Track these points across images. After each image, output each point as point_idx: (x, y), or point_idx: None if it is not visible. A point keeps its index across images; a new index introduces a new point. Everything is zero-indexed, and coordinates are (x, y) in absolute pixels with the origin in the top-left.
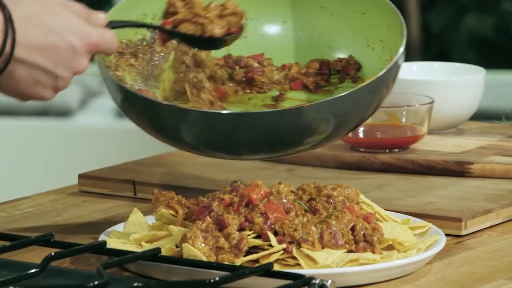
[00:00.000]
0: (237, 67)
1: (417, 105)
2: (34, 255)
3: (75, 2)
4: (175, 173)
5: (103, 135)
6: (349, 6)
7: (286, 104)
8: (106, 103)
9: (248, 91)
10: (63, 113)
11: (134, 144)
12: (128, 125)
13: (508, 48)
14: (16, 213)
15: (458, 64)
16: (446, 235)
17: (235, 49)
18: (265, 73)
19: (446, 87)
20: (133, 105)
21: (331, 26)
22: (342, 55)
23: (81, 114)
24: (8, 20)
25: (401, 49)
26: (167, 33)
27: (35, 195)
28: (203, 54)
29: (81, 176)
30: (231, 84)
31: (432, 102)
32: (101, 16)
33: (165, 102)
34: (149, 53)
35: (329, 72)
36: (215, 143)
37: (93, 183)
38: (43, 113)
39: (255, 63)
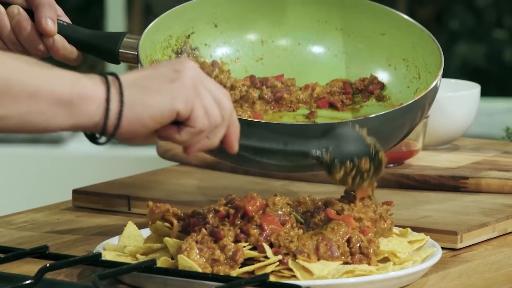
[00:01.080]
0: (264, 87)
1: None
2: (29, 268)
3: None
4: (170, 189)
5: (94, 162)
6: (367, 27)
7: (319, 121)
8: None
9: (278, 110)
10: (54, 140)
11: (126, 171)
12: (120, 152)
13: (499, 76)
14: (10, 227)
15: (453, 80)
16: (442, 248)
17: (252, 71)
18: (291, 92)
19: (441, 103)
20: None
21: (348, 47)
22: (362, 74)
23: (72, 142)
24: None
25: (440, 73)
26: None
27: (29, 210)
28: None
29: (75, 192)
30: (260, 104)
31: (427, 117)
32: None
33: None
34: None
35: (353, 91)
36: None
37: (88, 198)
38: (35, 140)
39: (278, 83)
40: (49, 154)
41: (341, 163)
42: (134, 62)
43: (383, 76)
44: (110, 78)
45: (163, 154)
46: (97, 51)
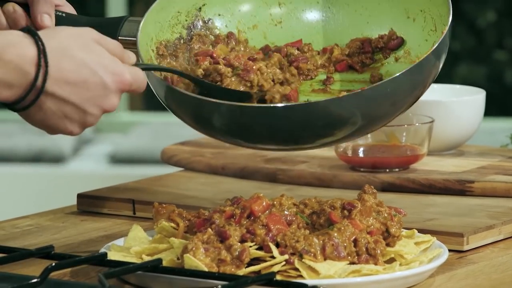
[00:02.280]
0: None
1: (417, 124)
2: (34, 269)
3: (110, 39)
4: (174, 193)
5: (95, 181)
6: None
7: (335, 87)
8: (99, 149)
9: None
10: (56, 159)
11: None
12: (121, 171)
13: (500, 97)
14: (15, 230)
15: (458, 86)
16: (448, 250)
17: (271, 37)
18: (308, 60)
19: (446, 108)
20: (182, 106)
21: (367, 1)
22: (381, 30)
23: (74, 161)
24: (42, 53)
25: (450, 18)
26: (198, 84)
27: (34, 215)
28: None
29: (80, 196)
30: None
31: (432, 122)
32: (132, 56)
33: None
34: (187, 51)
35: (372, 50)
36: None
37: (92, 202)
38: (36, 159)
39: (295, 50)
40: (51, 173)
41: None
42: (135, 48)
43: (402, 30)
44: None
45: (167, 160)
46: None
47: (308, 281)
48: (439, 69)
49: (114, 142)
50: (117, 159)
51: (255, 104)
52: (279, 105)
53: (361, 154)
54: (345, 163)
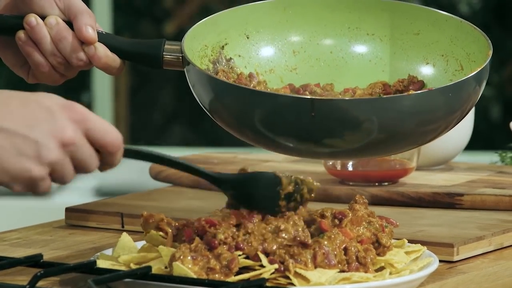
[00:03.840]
0: (307, 92)
1: None
2: (23, 279)
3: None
4: (163, 207)
5: None
6: (400, 29)
7: None
8: (85, 183)
9: None
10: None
11: None
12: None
13: (486, 132)
14: (3, 243)
15: None
16: (439, 261)
17: (287, 80)
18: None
19: None
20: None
21: (381, 52)
22: (399, 76)
23: (60, 194)
24: None
25: (490, 52)
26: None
27: (22, 228)
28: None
29: (68, 210)
30: None
31: None
32: None
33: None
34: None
35: (394, 92)
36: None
37: (80, 216)
38: (22, 192)
39: (318, 89)
40: (37, 206)
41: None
42: (177, 66)
43: (422, 74)
44: None
45: (156, 176)
46: (140, 58)
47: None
48: (478, 97)
49: (100, 175)
50: (103, 193)
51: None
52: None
53: (350, 168)
54: (334, 177)
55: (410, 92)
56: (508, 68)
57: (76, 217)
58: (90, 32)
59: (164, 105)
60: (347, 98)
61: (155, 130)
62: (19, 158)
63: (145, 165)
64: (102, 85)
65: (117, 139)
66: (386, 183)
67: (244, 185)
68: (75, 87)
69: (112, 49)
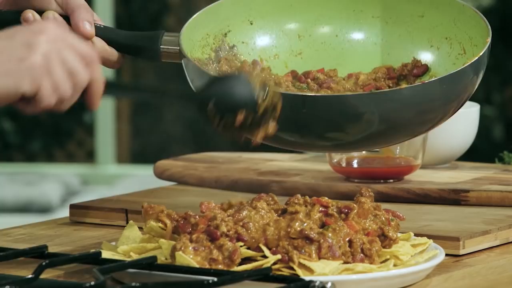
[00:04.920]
0: (309, 80)
1: None
2: (29, 272)
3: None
4: (167, 203)
5: None
6: (404, 11)
7: None
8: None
9: None
10: (44, 210)
11: None
12: None
13: (489, 152)
14: (8, 239)
15: None
16: (445, 255)
17: (292, 66)
18: (337, 82)
19: None
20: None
21: (386, 34)
22: (404, 60)
23: (62, 212)
24: None
25: (489, 39)
26: None
27: (26, 225)
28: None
29: (72, 206)
30: None
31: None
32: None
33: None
34: (216, 73)
35: (397, 77)
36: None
37: (85, 212)
38: (24, 210)
39: (321, 75)
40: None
41: (220, 115)
42: (176, 58)
43: (426, 57)
44: None
45: (160, 175)
46: (138, 51)
47: (304, 277)
48: (475, 87)
49: (101, 194)
50: None
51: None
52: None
53: (355, 165)
54: (340, 174)
55: (402, 86)
56: (511, 88)
57: (81, 213)
58: (87, 27)
59: (166, 126)
60: (336, 95)
61: (157, 151)
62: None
63: (144, 185)
64: (104, 106)
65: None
66: (391, 180)
67: (222, 85)
68: (77, 107)
69: (110, 43)
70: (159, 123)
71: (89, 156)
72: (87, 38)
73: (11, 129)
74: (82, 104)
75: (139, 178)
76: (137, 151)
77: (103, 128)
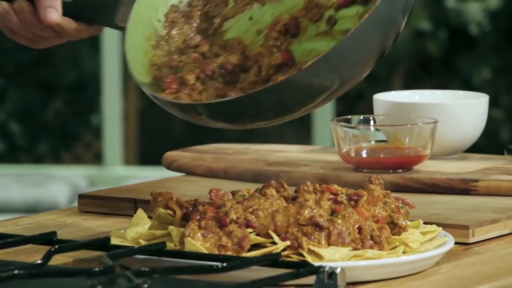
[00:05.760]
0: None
1: (420, 124)
2: (38, 259)
3: None
4: (176, 193)
5: None
6: None
7: (338, 27)
8: None
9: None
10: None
11: None
12: None
13: (496, 154)
14: (16, 227)
15: (461, 92)
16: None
17: None
18: None
19: (449, 111)
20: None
21: None
22: None
23: None
24: None
25: None
26: None
27: (35, 214)
28: None
29: (81, 196)
30: None
31: (435, 122)
32: None
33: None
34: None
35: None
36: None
37: (93, 202)
38: (31, 210)
39: (205, 46)
40: None
41: None
42: None
43: None
44: None
45: (168, 166)
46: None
47: (313, 263)
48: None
49: None
50: None
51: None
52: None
53: (364, 155)
54: (349, 164)
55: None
56: None
57: (89, 203)
58: (49, 16)
59: (173, 128)
60: (213, 101)
61: (164, 153)
62: None
63: None
64: (111, 108)
65: None
66: (400, 170)
67: None
68: (85, 109)
69: (77, 18)
70: (166, 124)
71: (97, 158)
72: (52, 25)
73: (19, 131)
74: (90, 105)
75: (147, 180)
76: (145, 152)
77: (111, 130)
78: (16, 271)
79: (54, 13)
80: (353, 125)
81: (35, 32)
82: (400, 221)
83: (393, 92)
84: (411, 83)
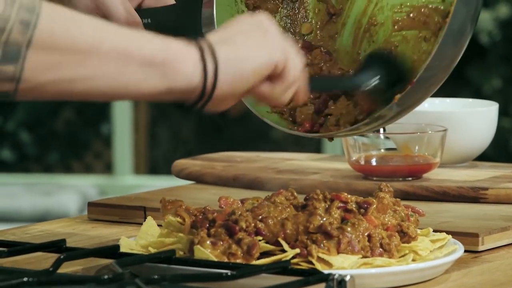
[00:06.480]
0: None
1: (430, 132)
2: (47, 267)
3: None
4: (186, 201)
5: None
6: None
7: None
8: None
9: None
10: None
11: None
12: None
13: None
14: (26, 235)
15: (470, 100)
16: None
17: None
18: None
19: (459, 119)
20: None
21: None
22: None
23: None
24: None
25: None
26: None
27: (44, 222)
28: None
29: (90, 204)
30: None
31: (445, 131)
32: None
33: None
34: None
35: None
36: None
37: (103, 210)
38: (41, 219)
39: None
40: None
41: None
42: None
43: None
44: (198, 38)
45: (178, 173)
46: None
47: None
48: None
49: None
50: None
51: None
52: None
53: (374, 163)
54: (358, 172)
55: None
56: None
57: (99, 211)
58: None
59: (184, 137)
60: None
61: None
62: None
63: None
64: (122, 117)
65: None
66: (410, 178)
67: None
68: (95, 118)
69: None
70: (176, 133)
71: (107, 168)
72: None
73: (29, 141)
74: (100, 114)
75: (157, 189)
76: (155, 162)
77: (121, 139)
78: (25, 279)
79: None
80: None
81: None
82: (410, 231)
83: None
84: None
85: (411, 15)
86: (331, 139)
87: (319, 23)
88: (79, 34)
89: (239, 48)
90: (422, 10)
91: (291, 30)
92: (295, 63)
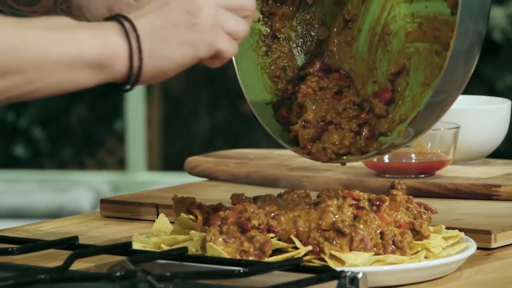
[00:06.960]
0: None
1: (442, 129)
2: (59, 264)
3: None
4: (198, 198)
5: None
6: None
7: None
8: None
9: None
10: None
11: None
12: None
13: None
14: (38, 233)
15: (483, 97)
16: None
17: None
18: None
19: (471, 116)
20: None
21: None
22: None
23: None
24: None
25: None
26: None
27: (57, 219)
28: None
29: (103, 201)
30: None
31: (457, 128)
32: None
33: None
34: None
35: None
36: None
37: (116, 207)
38: (56, 216)
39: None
40: None
41: None
42: None
43: None
44: (127, 27)
45: (191, 170)
46: None
47: (335, 268)
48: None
49: None
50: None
51: None
52: None
53: (386, 160)
54: (371, 169)
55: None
56: None
57: (111, 208)
58: None
59: (197, 133)
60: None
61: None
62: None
63: None
64: (135, 114)
65: None
66: (422, 175)
67: None
68: (108, 115)
69: None
70: (189, 130)
71: (120, 164)
72: None
73: (42, 137)
74: (113, 111)
75: (170, 185)
76: (168, 158)
77: (134, 136)
78: (38, 276)
79: None
80: None
81: None
82: (422, 229)
83: None
84: None
85: (422, 26)
86: (343, 164)
87: (335, 28)
88: (28, 54)
89: (164, 46)
90: (432, 22)
91: (309, 34)
92: (229, 41)
